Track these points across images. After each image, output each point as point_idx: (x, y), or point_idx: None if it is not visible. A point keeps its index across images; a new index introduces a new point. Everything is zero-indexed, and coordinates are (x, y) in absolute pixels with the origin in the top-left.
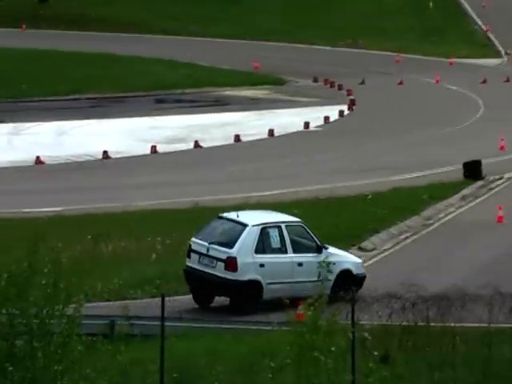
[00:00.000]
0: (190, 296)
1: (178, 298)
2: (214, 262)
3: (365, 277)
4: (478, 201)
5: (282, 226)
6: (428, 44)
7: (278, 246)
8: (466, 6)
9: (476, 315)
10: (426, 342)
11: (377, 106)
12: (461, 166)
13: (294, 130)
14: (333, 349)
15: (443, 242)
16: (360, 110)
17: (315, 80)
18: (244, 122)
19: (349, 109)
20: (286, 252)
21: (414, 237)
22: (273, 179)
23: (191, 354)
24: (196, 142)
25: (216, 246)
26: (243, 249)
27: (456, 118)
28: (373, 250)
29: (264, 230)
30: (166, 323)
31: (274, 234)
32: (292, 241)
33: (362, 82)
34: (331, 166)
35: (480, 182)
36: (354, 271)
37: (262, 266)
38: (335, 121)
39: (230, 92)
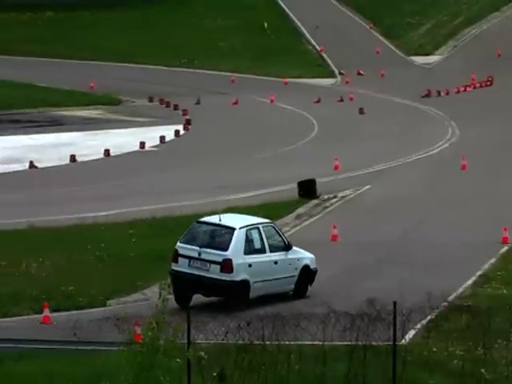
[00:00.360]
0: (24, 317)
1: (11, 320)
2: (208, 264)
3: (316, 271)
4: (312, 220)
5: (260, 227)
6: (263, 64)
7: (259, 246)
8: (300, 26)
9: (310, 333)
10: (261, 360)
11: (212, 125)
12: (296, 185)
13: (130, 150)
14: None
15: None
16: (196, 129)
17: (151, 100)
18: (80, 142)
19: (184, 128)
20: (264, 252)
21: None
22: (109, 199)
23: (28, 377)
24: (31, 162)
25: (209, 250)
26: (236, 251)
27: (291, 138)
28: None
29: (248, 232)
30: None
31: (255, 235)
32: (268, 241)
33: (198, 102)
34: (167, 185)
35: (315, 201)
36: (311, 266)
37: (250, 266)
38: (171, 141)
39: (65, 112)
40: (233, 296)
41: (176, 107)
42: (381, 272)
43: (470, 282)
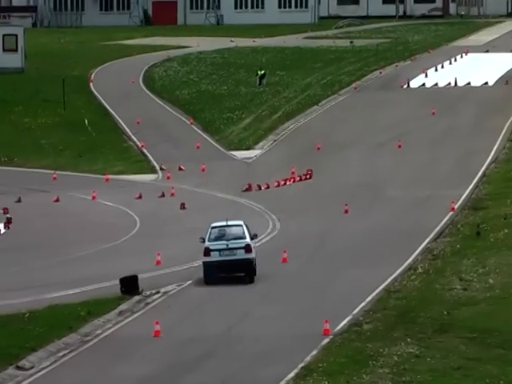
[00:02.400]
0: None
1: None
2: (235, 251)
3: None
4: (135, 316)
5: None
6: (84, 161)
7: (251, 235)
8: (121, 122)
9: None
10: None
11: (34, 223)
12: (118, 282)
13: None
14: None
15: (102, 358)
16: (17, 228)
17: None
18: None
19: (5, 227)
20: (252, 239)
21: (73, 354)
22: None
23: None
24: None
25: (234, 241)
26: (248, 238)
27: (113, 234)
28: (31, 368)
29: (246, 226)
30: None
31: (247, 229)
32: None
33: (19, 200)
34: None
35: (137, 297)
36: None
37: (254, 247)
38: None
39: None
40: (251, 269)
41: None
42: (203, 368)
43: (292, 374)
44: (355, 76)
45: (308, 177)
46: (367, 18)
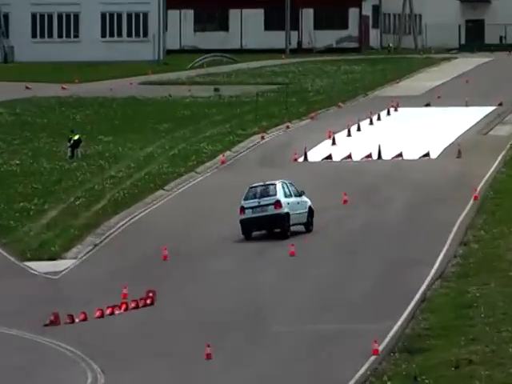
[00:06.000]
0: None
1: None
2: (266, 207)
3: (313, 210)
4: None
5: (286, 182)
6: None
7: (288, 193)
8: None
9: None
10: None
11: None
12: None
13: None
14: None
15: None
16: None
17: None
18: None
19: None
20: (291, 196)
21: None
22: None
23: None
24: None
25: (265, 198)
26: (280, 195)
27: None
28: None
29: (282, 185)
30: None
31: (285, 186)
32: (290, 190)
33: None
34: None
35: None
36: (312, 206)
37: (288, 204)
38: None
39: None
40: (283, 224)
41: None
42: None
43: None
44: (222, 144)
45: (149, 301)
46: (241, 53)
